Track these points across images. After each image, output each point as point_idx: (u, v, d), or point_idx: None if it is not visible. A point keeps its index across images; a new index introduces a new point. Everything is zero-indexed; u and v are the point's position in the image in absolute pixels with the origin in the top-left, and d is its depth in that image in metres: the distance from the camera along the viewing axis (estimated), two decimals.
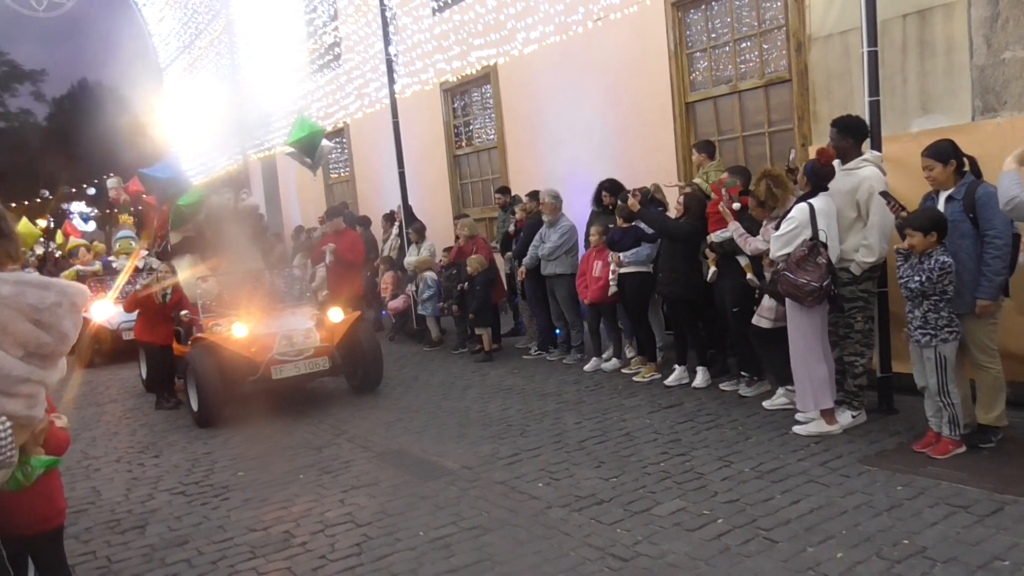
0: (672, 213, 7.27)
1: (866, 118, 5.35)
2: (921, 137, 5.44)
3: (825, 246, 5.10)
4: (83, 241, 12.93)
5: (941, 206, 4.71)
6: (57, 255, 17.36)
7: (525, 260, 8.56)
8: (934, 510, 3.97)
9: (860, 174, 5.18)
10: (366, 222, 12.51)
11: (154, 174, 9.82)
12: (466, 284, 9.16)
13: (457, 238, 9.97)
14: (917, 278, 4.53)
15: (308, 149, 10.18)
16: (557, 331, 8.75)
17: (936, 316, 4.53)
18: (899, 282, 4.72)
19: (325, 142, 10.37)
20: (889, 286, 5.42)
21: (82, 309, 2.63)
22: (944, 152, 4.69)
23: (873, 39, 5.29)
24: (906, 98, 5.75)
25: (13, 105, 39.19)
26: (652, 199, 7.29)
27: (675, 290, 6.80)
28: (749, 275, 6.21)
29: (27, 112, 39.81)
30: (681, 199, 6.86)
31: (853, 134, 5.26)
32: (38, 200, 35.24)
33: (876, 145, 5.34)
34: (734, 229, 6.06)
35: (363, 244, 11.06)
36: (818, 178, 5.29)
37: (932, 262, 4.48)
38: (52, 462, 2.84)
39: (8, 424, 2.46)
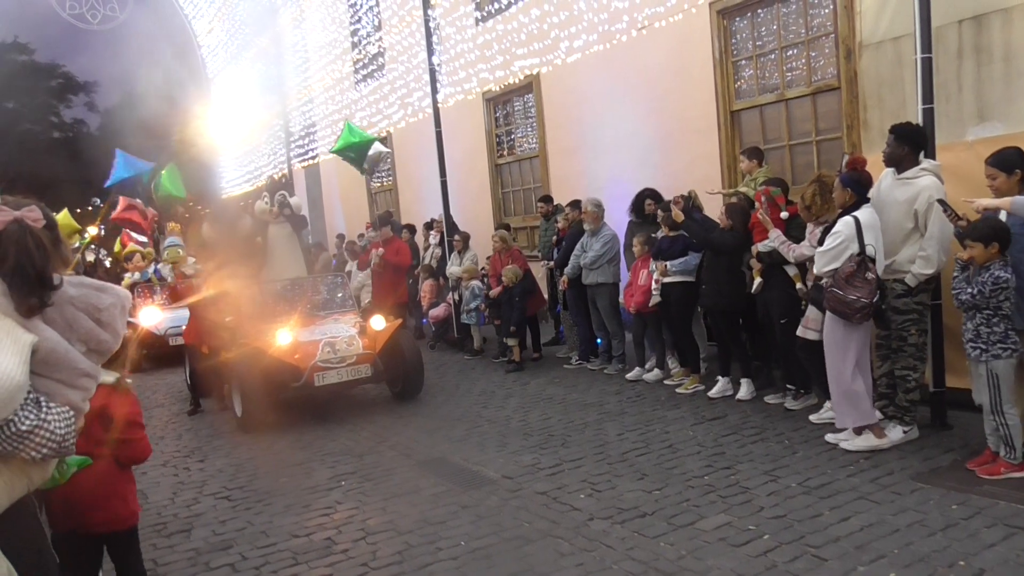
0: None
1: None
2: (977, 146, 5.30)
3: (873, 260, 4.95)
4: (139, 248, 13.10)
5: (1003, 217, 4.56)
6: (107, 263, 17.69)
7: (567, 269, 8.53)
8: (992, 531, 3.83)
9: (918, 184, 5.03)
10: (411, 230, 12.64)
11: (121, 176, 10.14)
12: (498, 289, 9.15)
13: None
14: (969, 290, 4.39)
15: (357, 156, 10.28)
16: (599, 341, 8.69)
17: (988, 331, 4.38)
18: (952, 292, 4.58)
19: (379, 147, 10.39)
20: (943, 298, 5.28)
21: (127, 313, 2.87)
22: (1009, 161, 4.53)
23: (927, 45, 5.16)
24: (961, 106, 5.60)
25: (68, 116, 40.30)
26: (692, 206, 7.21)
27: (719, 301, 6.71)
28: (799, 284, 6.09)
29: (80, 122, 40.88)
30: (724, 211, 6.78)
31: (911, 142, 5.09)
32: (89, 208, 36.15)
33: (930, 154, 5.21)
34: (775, 237, 5.96)
35: (409, 250, 11.09)
36: (859, 186, 5.15)
37: (987, 275, 4.33)
38: (83, 461, 2.95)
39: (72, 414, 2.68)
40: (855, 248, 4.99)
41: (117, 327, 2.82)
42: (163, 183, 12.13)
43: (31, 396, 2.58)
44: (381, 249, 10.20)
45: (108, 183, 12.90)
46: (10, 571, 2.62)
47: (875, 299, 4.89)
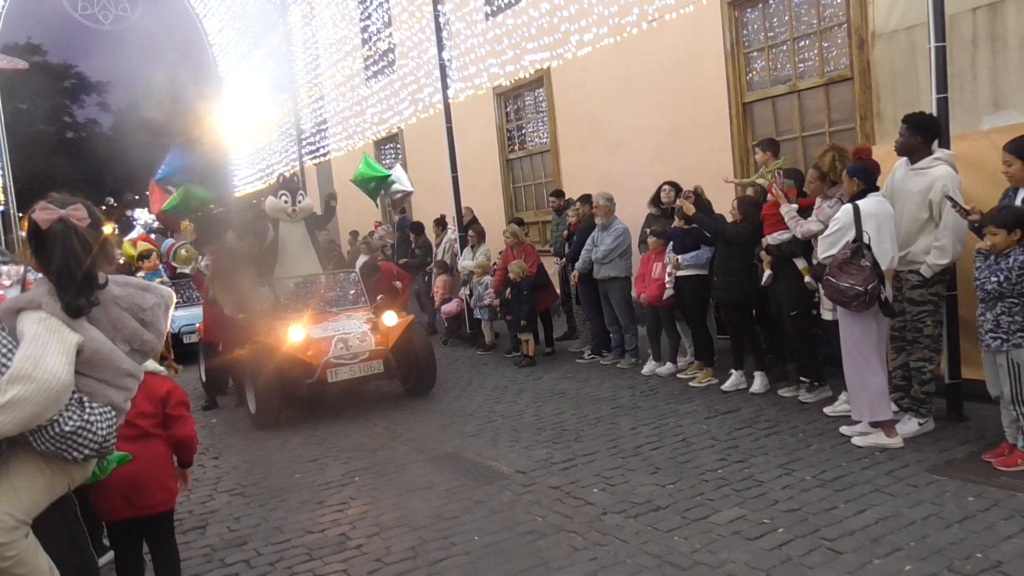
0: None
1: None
2: (992, 135, 5.24)
3: (869, 248, 4.89)
4: (155, 247, 13.14)
5: (1018, 203, 4.51)
6: (120, 262, 17.78)
7: (578, 264, 8.51)
8: (1009, 523, 3.80)
9: (932, 173, 4.98)
10: (419, 228, 12.57)
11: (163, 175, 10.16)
12: (508, 291, 9.15)
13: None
14: (994, 278, 4.34)
15: (375, 188, 10.24)
16: (612, 335, 8.67)
17: (1009, 319, 4.33)
18: (974, 283, 4.52)
19: (405, 185, 10.32)
20: (959, 289, 5.23)
21: (171, 312, 2.89)
22: None
23: (941, 34, 5.11)
24: (976, 95, 5.55)
25: (81, 116, 40.62)
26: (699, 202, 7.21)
27: (731, 294, 6.69)
28: (807, 278, 6.07)
29: (94, 122, 41.18)
30: (735, 204, 6.76)
31: (923, 131, 5.05)
32: (103, 208, 36.43)
33: (945, 143, 5.15)
34: (787, 211, 5.94)
35: (394, 270, 10.42)
36: (866, 175, 5.11)
37: (1011, 261, 4.29)
38: (123, 458, 3.00)
39: (113, 414, 2.67)
40: (852, 235, 4.95)
41: (161, 327, 2.84)
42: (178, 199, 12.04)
43: (75, 396, 2.58)
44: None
45: (158, 177, 12.86)
46: (51, 568, 2.64)
47: (870, 286, 4.81)
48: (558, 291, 9.91)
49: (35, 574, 2.56)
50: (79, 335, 2.58)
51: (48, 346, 2.47)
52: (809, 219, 5.79)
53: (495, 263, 10.19)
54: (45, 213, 2.64)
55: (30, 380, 2.40)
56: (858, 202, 5.01)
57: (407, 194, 10.33)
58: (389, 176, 10.33)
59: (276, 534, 4.67)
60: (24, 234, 2.74)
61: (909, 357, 5.26)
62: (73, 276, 2.59)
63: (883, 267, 4.91)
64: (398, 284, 10.02)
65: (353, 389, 7.80)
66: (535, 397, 7.44)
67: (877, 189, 5.12)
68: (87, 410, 2.61)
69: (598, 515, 4.42)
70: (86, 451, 2.62)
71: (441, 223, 12.20)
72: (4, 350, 2.47)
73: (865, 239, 4.90)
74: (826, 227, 5.50)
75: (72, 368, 2.53)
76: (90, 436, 2.61)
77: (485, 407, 7.27)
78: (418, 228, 12.54)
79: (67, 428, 2.54)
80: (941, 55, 5.14)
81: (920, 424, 5.18)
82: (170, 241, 11.71)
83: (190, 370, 10.39)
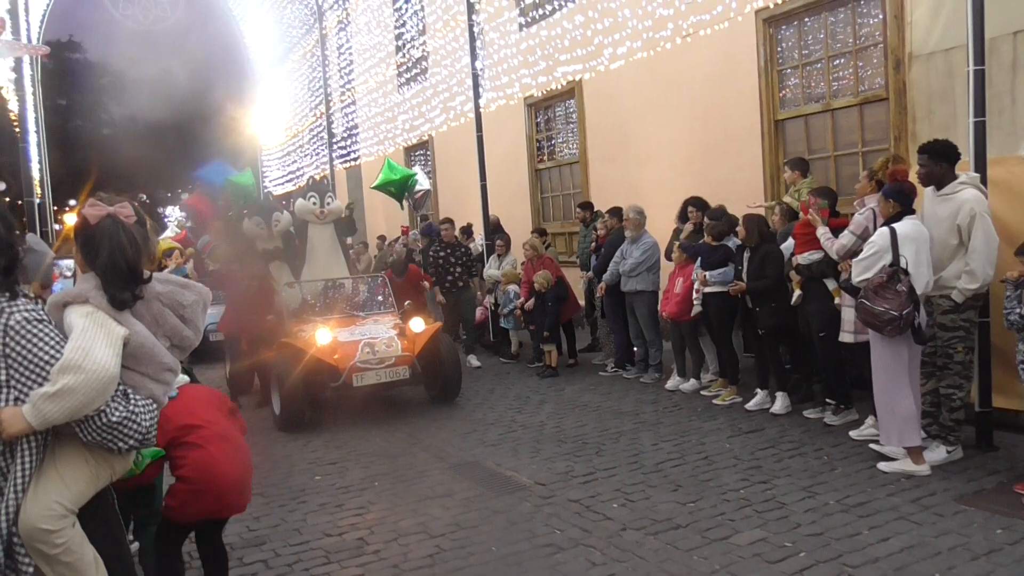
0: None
1: (970, 139, 5.11)
2: None
3: (906, 272, 4.82)
4: (178, 246, 13.30)
5: None
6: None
7: (605, 276, 8.49)
8: None
9: (959, 198, 4.93)
10: None
11: (211, 177, 10.31)
12: (532, 301, 9.14)
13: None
14: (1018, 310, 4.28)
15: (397, 191, 10.41)
16: (636, 348, 8.63)
17: None
18: (1003, 312, 4.46)
19: (423, 184, 10.50)
20: (992, 316, 5.15)
21: (207, 309, 2.97)
22: None
23: (980, 57, 5.05)
24: (1014, 119, 5.47)
25: (117, 113, 41.22)
26: (725, 219, 7.18)
27: (780, 321, 6.55)
28: (837, 300, 6.01)
29: (130, 119, 41.76)
30: (741, 221, 6.71)
31: (947, 158, 5.03)
32: (136, 204, 36.86)
33: (981, 168, 5.09)
34: (823, 233, 5.89)
35: (417, 278, 10.36)
36: (902, 196, 5.05)
37: None
38: (156, 453, 3.05)
39: (154, 407, 2.75)
40: (888, 259, 4.89)
41: (199, 324, 2.94)
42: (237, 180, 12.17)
43: (119, 389, 2.68)
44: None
45: (199, 173, 13.00)
46: (96, 559, 2.71)
47: (906, 312, 4.74)
48: (581, 303, 9.88)
49: (81, 563, 2.63)
50: (125, 329, 2.67)
51: (96, 338, 2.55)
52: (841, 236, 5.73)
53: (520, 272, 10.20)
54: (94, 209, 2.75)
55: (80, 370, 2.47)
56: (895, 225, 4.95)
57: (426, 192, 10.49)
58: (413, 175, 10.48)
59: (295, 535, 4.70)
60: (58, 226, 2.84)
61: (939, 383, 5.18)
62: (120, 270, 2.70)
63: (919, 291, 4.84)
64: (425, 284, 10.12)
65: (376, 394, 7.82)
66: (557, 408, 7.42)
67: (913, 212, 5.06)
68: (131, 402, 2.70)
69: (617, 531, 4.40)
70: (130, 442, 2.71)
71: (467, 231, 12.23)
72: (53, 342, 2.54)
73: (902, 263, 4.84)
74: (857, 237, 5.46)
75: (119, 360, 2.62)
76: (134, 427, 2.69)
77: (506, 417, 7.26)
78: None
79: (113, 419, 2.63)
80: (980, 78, 5.08)
81: (948, 452, 5.10)
82: (206, 239, 11.83)
83: (215, 368, 10.51)
